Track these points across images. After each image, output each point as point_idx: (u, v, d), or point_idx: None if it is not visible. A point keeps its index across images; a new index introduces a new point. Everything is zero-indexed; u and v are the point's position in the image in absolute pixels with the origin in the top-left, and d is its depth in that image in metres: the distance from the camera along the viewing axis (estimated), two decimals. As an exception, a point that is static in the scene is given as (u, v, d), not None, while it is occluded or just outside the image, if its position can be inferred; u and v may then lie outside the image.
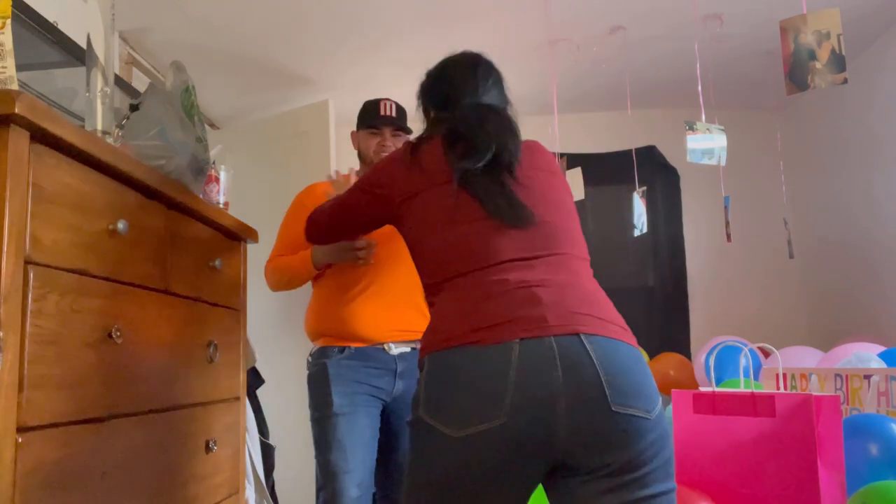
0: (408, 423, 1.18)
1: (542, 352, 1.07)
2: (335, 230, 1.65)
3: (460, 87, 1.42)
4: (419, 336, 1.95)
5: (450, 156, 1.29)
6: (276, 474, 2.76)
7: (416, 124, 1.54)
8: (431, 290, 1.28)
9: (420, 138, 1.39)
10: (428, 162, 1.31)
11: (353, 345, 1.94)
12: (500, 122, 1.34)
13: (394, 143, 2.05)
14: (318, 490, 1.89)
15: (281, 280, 2.08)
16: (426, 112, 1.50)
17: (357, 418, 1.89)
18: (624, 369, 1.09)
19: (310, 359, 2.02)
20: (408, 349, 1.99)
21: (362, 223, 1.54)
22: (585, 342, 1.08)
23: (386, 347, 1.96)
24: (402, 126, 2.09)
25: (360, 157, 2.12)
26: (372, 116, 2.08)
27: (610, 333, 1.12)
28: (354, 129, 2.15)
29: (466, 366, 1.09)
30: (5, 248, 0.90)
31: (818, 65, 1.83)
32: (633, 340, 1.16)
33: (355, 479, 1.85)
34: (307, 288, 2.14)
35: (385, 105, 2.08)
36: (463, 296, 1.18)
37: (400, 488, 1.98)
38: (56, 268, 1.01)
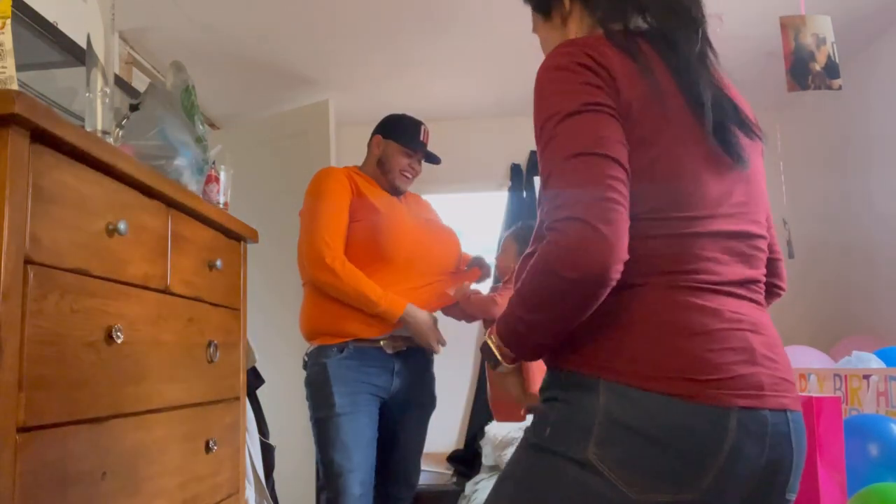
0: (551, 452, 0.94)
1: (757, 428, 0.91)
2: None
3: None
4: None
5: None
6: (276, 474, 2.76)
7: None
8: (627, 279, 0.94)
9: None
10: None
11: (350, 341, 1.94)
12: None
13: (416, 170, 2.18)
14: (320, 490, 1.91)
15: (347, 296, 1.91)
16: None
17: (358, 418, 1.91)
18: (805, 453, 0.98)
19: (306, 359, 2.02)
20: (403, 347, 2.00)
21: None
22: (791, 421, 0.95)
23: (383, 345, 1.97)
24: (429, 155, 2.21)
25: (382, 164, 2.15)
26: (412, 138, 2.15)
27: (801, 407, 1.00)
28: (377, 134, 2.19)
29: (675, 422, 0.89)
30: (5, 248, 0.90)
31: (817, 66, 1.83)
32: None
33: (358, 477, 1.87)
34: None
35: (424, 131, 2.18)
36: (668, 317, 0.93)
37: (397, 485, 2.04)
38: (56, 268, 1.01)
